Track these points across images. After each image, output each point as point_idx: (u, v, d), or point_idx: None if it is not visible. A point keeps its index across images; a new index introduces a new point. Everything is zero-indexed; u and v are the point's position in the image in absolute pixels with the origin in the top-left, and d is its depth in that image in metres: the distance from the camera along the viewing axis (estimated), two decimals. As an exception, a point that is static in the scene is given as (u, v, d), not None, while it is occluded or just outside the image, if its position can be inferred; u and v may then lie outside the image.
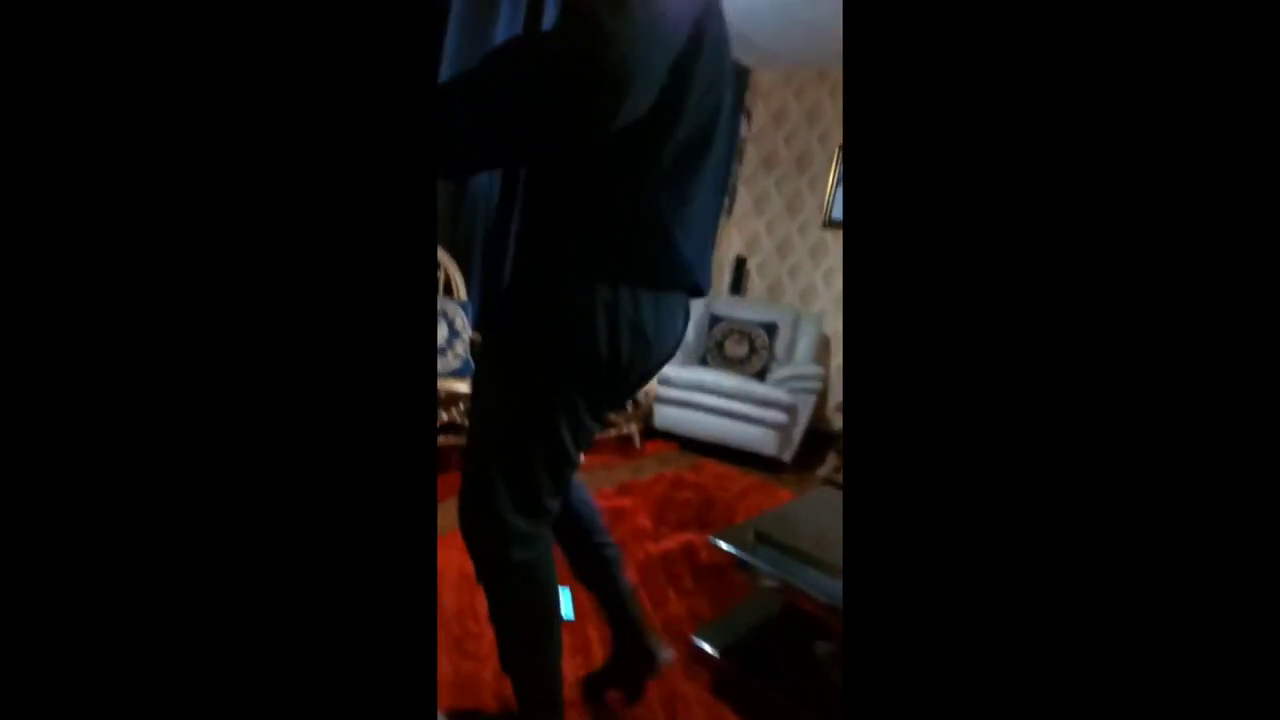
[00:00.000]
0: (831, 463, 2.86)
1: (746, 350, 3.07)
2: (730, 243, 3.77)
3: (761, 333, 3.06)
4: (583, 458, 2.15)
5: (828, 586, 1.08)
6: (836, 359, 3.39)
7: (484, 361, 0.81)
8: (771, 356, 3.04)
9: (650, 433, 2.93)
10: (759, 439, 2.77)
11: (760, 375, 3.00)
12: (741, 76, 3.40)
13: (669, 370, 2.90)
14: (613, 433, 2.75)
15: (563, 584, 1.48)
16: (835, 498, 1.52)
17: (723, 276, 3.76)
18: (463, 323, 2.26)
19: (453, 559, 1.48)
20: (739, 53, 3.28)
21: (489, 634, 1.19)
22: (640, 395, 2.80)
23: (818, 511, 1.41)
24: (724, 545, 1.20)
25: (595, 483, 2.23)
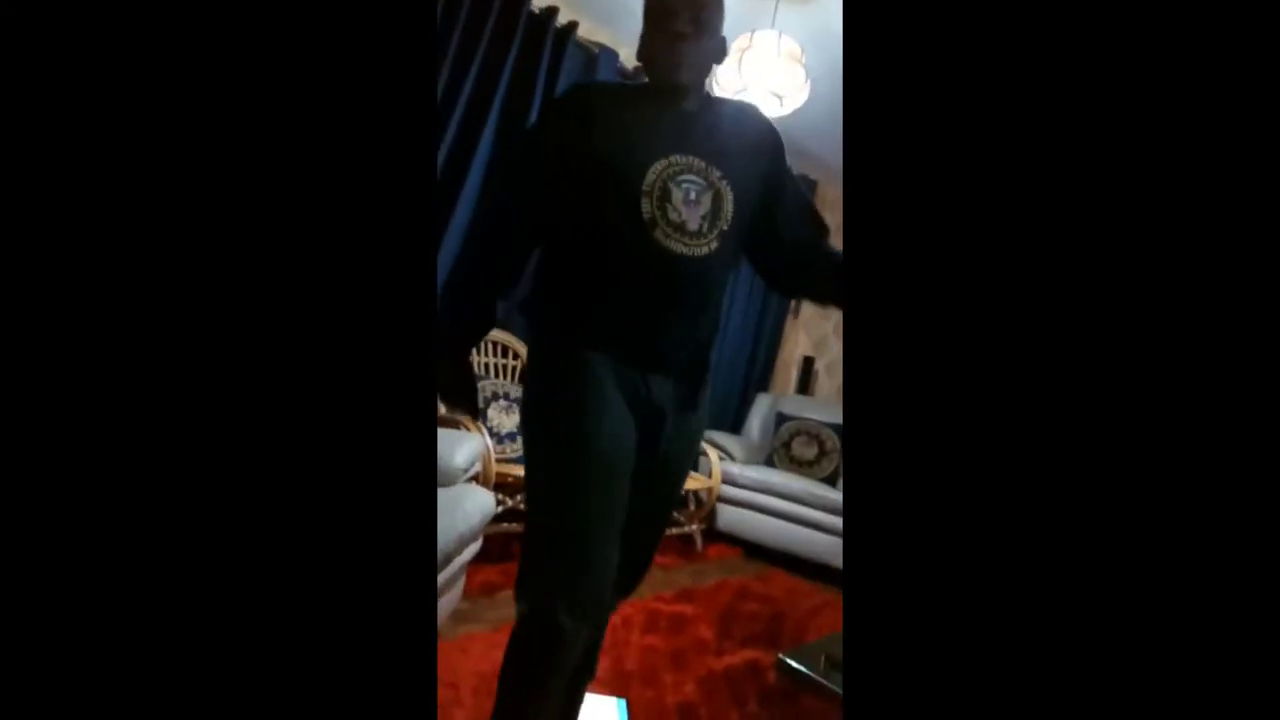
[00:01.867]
0: (912, 581, 2.61)
1: (815, 452, 2.96)
2: (797, 342, 3.76)
3: (832, 434, 2.95)
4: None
5: None
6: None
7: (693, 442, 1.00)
8: (843, 460, 2.90)
9: (712, 534, 2.80)
10: (830, 550, 2.59)
11: (831, 480, 2.85)
12: (809, 189, 3.57)
13: (733, 469, 2.82)
14: (673, 531, 2.65)
15: (619, 695, 1.38)
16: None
17: (790, 375, 3.72)
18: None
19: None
20: (806, 168, 3.46)
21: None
22: (703, 493, 2.72)
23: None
24: (794, 664, 1.10)
25: (652, 585, 2.13)
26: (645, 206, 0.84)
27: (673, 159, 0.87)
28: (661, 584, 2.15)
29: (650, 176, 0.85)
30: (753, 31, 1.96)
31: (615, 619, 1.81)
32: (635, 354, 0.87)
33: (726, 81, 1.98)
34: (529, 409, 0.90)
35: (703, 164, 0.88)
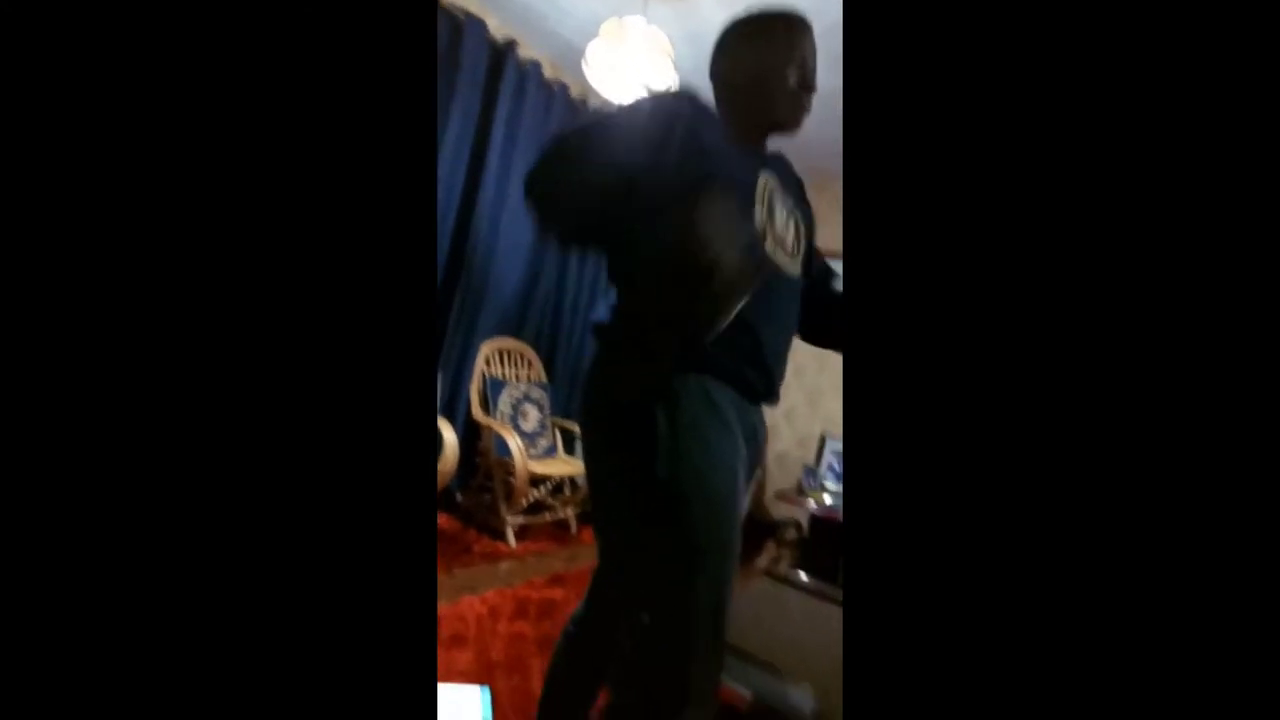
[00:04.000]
0: (770, 553, 2.84)
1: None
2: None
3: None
4: (516, 545, 1.96)
5: (774, 689, 1.03)
6: (776, 446, 3.45)
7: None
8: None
9: (587, 517, 2.84)
10: (697, 525, 2.73)
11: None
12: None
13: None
14: (547, 517, 2.65)
15: (481, 683, 1.36)
16: (777, 591, 1.50)
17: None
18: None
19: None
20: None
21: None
22: (579, 478, 2.74)
23: (759, 606, 1.38)
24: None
25: (525, 572, 2.11)
26: (759, 213, 0.75)
27: (770, 176, 0.80)
28: (534, 570, 2.14)
29: (760, 184, 0.77)
30: (621, 17, 1.98)
31: (483, 609, 1.77)
32: (753, 384, 0.76)
33: (595, 60, 1.97)
34: (629, 450, 0.71)
35: (780, 186, 0.83)
